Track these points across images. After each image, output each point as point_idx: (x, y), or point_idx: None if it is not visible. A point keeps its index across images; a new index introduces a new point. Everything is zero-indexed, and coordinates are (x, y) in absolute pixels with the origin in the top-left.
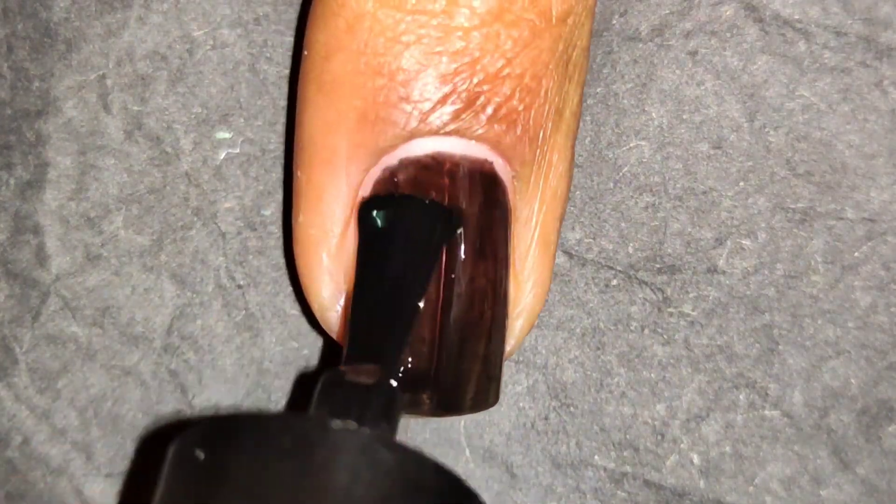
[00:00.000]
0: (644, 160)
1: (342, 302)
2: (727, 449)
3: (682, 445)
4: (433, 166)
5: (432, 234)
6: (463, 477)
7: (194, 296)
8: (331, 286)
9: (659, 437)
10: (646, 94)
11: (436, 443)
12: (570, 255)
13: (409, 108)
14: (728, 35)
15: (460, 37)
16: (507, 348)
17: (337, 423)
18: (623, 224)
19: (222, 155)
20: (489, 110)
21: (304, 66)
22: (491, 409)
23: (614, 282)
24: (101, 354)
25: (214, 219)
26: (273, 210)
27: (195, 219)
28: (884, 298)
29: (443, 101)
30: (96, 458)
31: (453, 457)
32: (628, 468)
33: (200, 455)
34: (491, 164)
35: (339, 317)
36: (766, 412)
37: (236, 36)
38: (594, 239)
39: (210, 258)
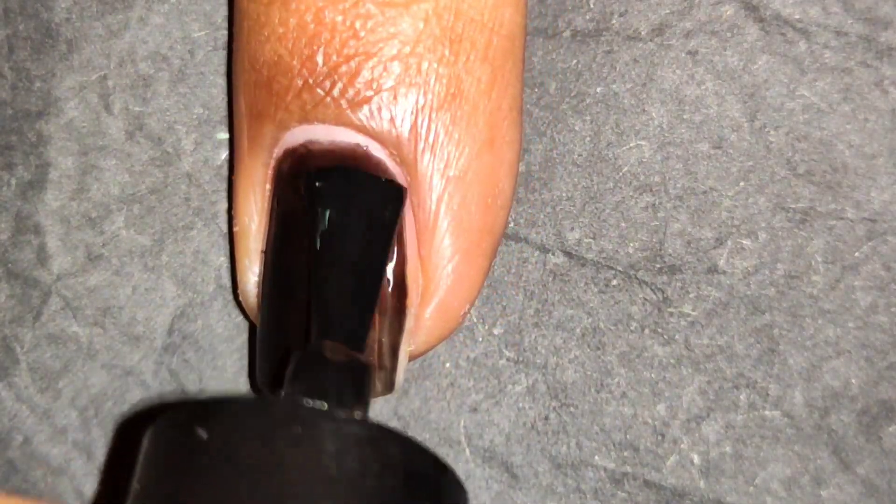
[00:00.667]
0: (644, 160)
1: (257, 289)
2: (727, 449)
3: (682, 446)
4: (305, 155)
5: (386, 209)
6: (462, 477)
7: (195, 296)
8: (252, 279)
9: (659, 438)
10: (646, 93)
11: (436, 443)
12: (570, 255)
13: (274, 99)
14: (728, 35)
15: (308, 21)
16: (421, 338)
17: (341, 414)
18: (623, 224)
19: (223, 155)
20: (341, 93)
21: None
22: (490, 409)
23: (614, 282)
24: (102, 354)
25: (215, 219)
26: None
27: (196, 219)
28: (884, 298)
29: (300, 89)
30: (97, 458)
31: (453, 457)
32: (628, 468)
33: (203, 434)
34: (364, 148)
35: (257, 301)
36: (767, 412)
37: None
38: (594, 239)
39: (211, 258)
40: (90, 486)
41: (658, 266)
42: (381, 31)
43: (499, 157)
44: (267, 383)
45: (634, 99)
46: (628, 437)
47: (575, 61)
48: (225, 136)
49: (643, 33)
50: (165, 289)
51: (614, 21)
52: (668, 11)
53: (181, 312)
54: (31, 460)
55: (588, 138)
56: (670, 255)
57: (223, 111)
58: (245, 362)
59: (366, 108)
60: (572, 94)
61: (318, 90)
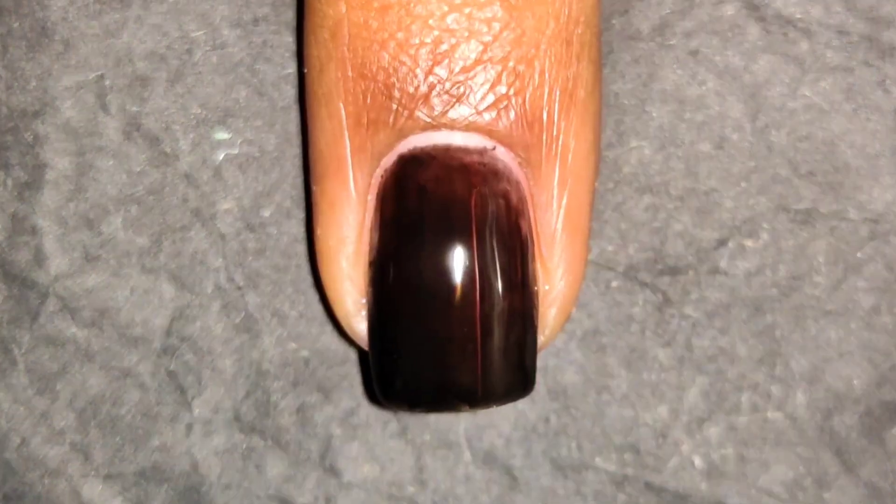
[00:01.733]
0: (645, 160)
1: (365, 307)
2: (729, 451)
3: (683, 448)
4: (428, 161)
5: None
6: (462, 479)
7: (193, 297)
8: (353, 293)
9: (661, 440)
10: (647, 93)
11: (436, 445)
12: None
13: (395, 106)
14: (729, 34)
15: (432, 25)
16: (542, 339)
17: None
18: (624, 225)
19: (221, 156)
20: (473, 99)
21: (305, 83)
22: (490, 411)
23: (615, 283)
24: (100, 356)
25: (213, 220)
26: (272, 211)
27: (194, 220)
28: (887, 299)
29: (426, 95)
30: (94, 460)
31: (453, 459)
32: (629, 471)
33: None
34: (492, 151)
35: (364, 322)
36: (769, 414)
37: (235, 37)
38: (594, 240)
39: (209, 259)
40: (88, 487)
41: (659, 267)
42: (508, 35)
43: (598, 157)
44: (400, 396)
45: (635, 99)
46: (629, 439)
47: None
48: (223, 136)
49: (644, 33)
50: (163, 290)
51: (615, 21)
52: (668, 11)
53: (179, 314)
54: (29, 462)
55: None
56: (671, 256)
57: (221, 111)
58: (244, 363)
59: (497, 112)
60: None
61: (448, 96)
